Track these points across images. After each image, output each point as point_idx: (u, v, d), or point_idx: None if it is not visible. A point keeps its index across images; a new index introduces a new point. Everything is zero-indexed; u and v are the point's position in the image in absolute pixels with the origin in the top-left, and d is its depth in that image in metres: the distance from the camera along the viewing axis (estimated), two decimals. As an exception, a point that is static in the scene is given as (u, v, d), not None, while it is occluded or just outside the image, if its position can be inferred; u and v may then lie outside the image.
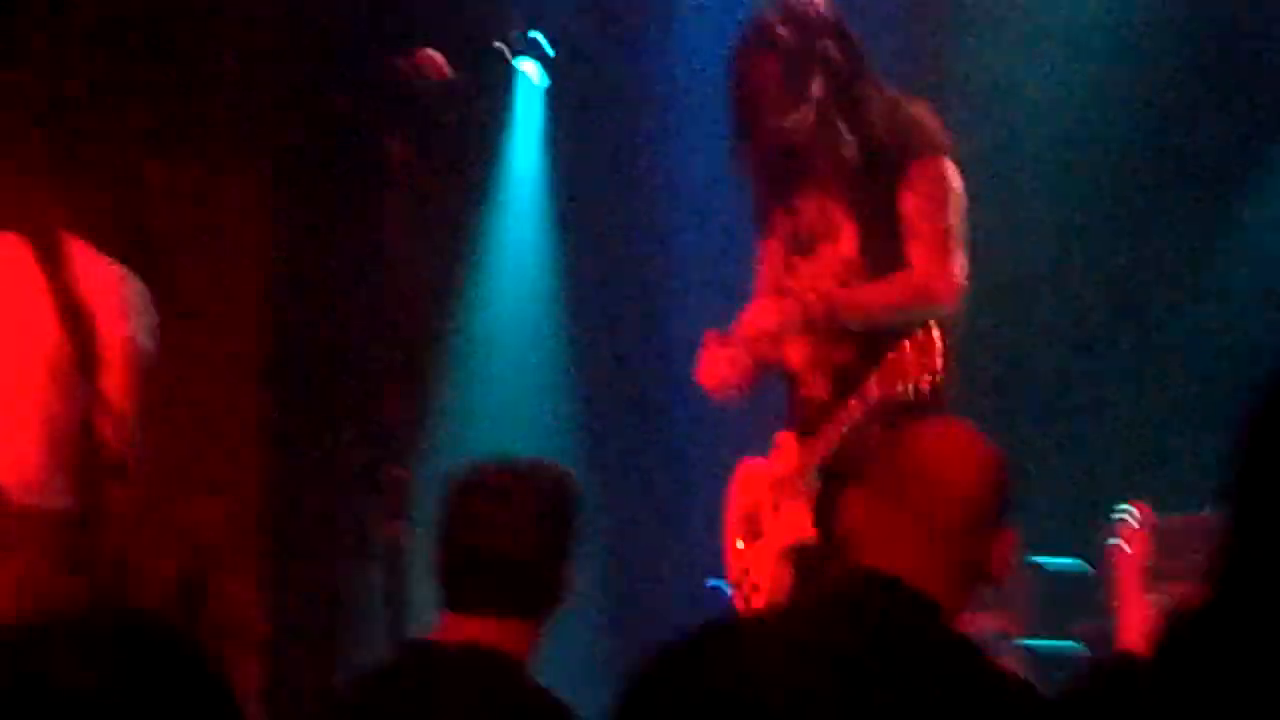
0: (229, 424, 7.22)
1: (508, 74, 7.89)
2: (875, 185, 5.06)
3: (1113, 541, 5.85)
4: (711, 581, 6.20)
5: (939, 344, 4.80)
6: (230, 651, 3.52)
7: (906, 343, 4.76)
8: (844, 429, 4.95)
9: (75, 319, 4.70)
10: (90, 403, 4.60)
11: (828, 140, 5.06)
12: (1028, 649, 6.47)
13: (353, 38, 7.33)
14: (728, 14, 7.53)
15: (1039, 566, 6.57)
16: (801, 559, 5.09)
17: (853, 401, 4.94)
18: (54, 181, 5.20)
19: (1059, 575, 6.58)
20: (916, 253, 5.04)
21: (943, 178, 5.08)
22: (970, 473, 2.92)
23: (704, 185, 7.66)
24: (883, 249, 5.08)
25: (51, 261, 4.71)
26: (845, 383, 5.02)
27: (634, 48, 7.85)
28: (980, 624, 6.11)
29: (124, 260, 5.03)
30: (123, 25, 7.23)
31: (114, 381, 4.72)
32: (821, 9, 5.13)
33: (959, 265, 5.06)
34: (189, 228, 7.27)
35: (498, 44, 7.56)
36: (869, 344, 5.01)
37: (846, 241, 5.14)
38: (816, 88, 5.03)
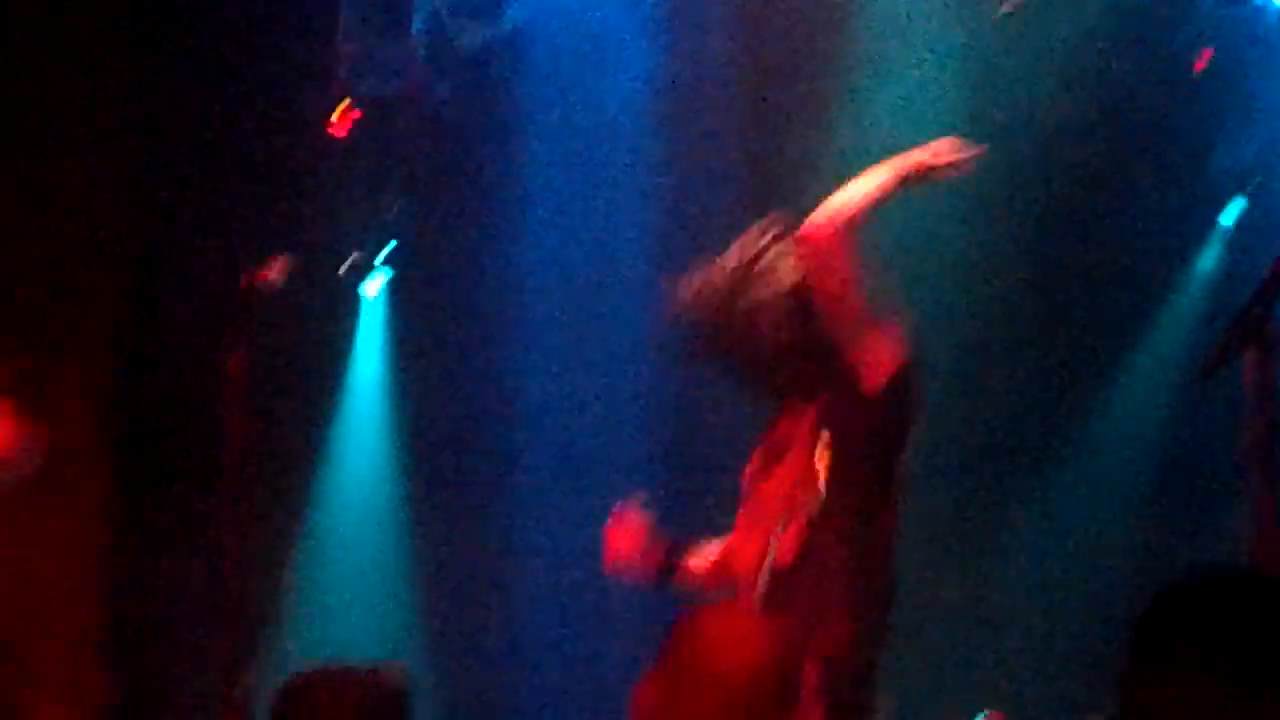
0: (70, 632, 7.12)
1: (350, 286, 7.92)
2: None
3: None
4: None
5: None
6: None
7: None
8: None
9: None
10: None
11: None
12: None
13: (193, 249, 7.34)
14: (572, 220, 7.69)
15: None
16: None
17: None
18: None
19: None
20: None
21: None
22: (749, 660, 2.91)
23: (545, 385, 7.74)
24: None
25: None
26: None
27: (475, 257, 7.90)
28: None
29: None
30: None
31: None
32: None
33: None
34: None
35: (344, 260, 7.60)
36: None
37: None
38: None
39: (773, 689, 2.89)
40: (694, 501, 5.52)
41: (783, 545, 4.72)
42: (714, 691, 2.85)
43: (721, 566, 4.94)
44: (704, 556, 5.04)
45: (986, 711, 5.91)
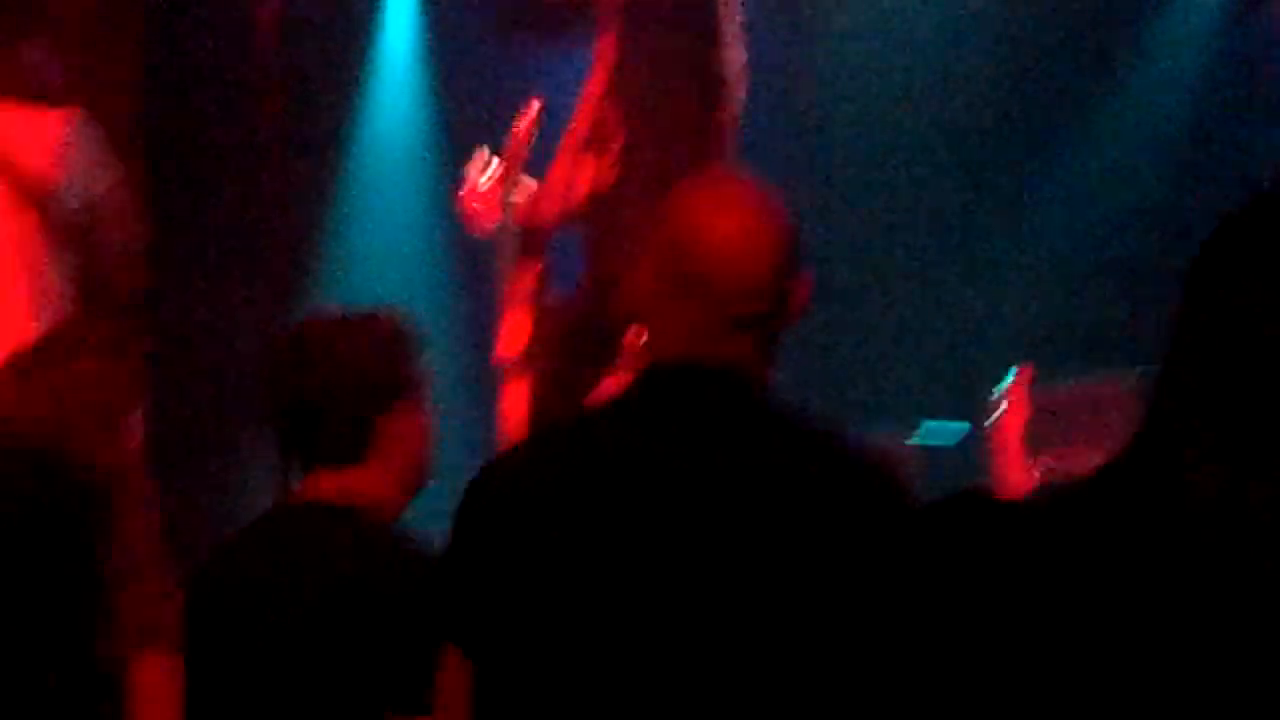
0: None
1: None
2: None
3: (996, 404, 5.88)
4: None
5: None
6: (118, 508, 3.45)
7: None
8: None
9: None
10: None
11: None
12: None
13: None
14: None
15: (924, 430, 6.59)
16: None
17: None
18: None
19: (942, 438, 6.61)
20: None
21: None
22: (760, 249, 2.65)
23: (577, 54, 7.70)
24: None
25: None
26: None
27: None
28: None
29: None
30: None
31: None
32: None
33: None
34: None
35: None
36: None
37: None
38: None
39: (786, 264, 2.65)
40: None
41: (602, 167, 4.78)
42: (729, 293, 2.62)
43: (550, 196, 5.00)
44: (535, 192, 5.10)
45: (1016, 367, 5.94)
